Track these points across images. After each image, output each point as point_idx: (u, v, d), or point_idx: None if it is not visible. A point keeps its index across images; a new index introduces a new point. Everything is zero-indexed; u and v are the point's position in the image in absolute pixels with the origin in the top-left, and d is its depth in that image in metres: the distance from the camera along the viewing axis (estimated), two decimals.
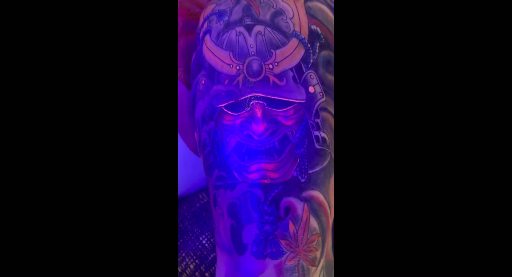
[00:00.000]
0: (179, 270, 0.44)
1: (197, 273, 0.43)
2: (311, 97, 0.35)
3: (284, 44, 0.35)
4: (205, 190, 0.51)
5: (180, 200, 0.51)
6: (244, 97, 0.34)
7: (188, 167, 0.48)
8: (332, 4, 0.40)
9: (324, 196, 0.35)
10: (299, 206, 0.34)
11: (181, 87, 0.44)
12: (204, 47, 0.37)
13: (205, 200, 0.49)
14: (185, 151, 0.46)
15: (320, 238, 0.34)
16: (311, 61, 0.36)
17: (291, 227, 0.33)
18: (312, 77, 0.35)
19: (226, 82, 0.35)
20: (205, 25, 0.38)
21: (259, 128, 0.34)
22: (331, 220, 0.36)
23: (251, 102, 0.34)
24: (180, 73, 0.44)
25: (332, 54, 0.38)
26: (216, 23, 0.37)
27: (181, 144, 0.46)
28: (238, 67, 0.35)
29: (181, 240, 0.45)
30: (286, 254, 0.33)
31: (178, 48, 0.45)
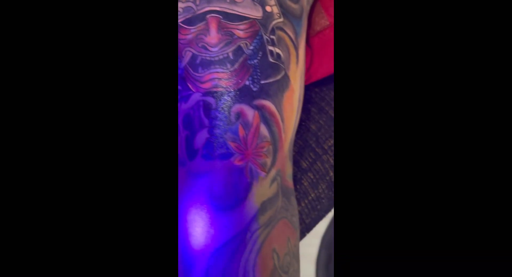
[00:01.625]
0: None
1: None
2: (267, 16, 0.36)
3: None
4: None
5: None
6: (200, 12, 0.35)
7: None
8: None
9: (276, 107, 0.35)
10: (250, 113, 0.34)
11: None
12: None
13: None
14: None
15: (270, 147, 0.35)
16: None
17: (241, 131, 0.34)
18: None
19: None
20: None
21: (214, 39, 0.35)
22: (285, 136, 0.36)
23: (207, 16, 0.35)
24: None
25: None
26: None
27: None
28: None
29: None
30: (235, 156, 0.34)
31: None
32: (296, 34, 0.38)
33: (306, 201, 0.48)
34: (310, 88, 0.52)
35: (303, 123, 0.50)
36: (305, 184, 0.48)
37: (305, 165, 0.49)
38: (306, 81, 0.44)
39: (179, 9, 0.36)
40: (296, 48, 0.38)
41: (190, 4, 0.35)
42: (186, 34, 0.35)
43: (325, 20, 0.49)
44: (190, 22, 0.35)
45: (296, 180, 0.48)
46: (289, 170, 0.38)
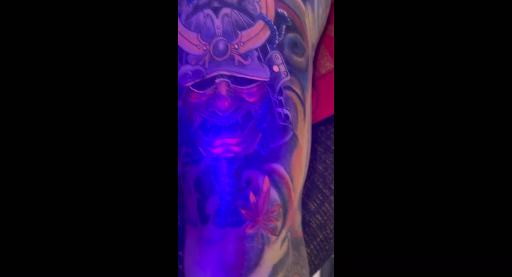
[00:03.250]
0: None
1: None
2: (275, 76, 0.36)
3: (250, 26, 0.37)
4: None
5: None
6: (209, 75, 0.36)
7: None
8: None
9: (286, 169, 0.36)
10: (260, 178, 0.35)
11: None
12: None
13: None
14: None
15: (281, 209, 0.35)
16: (277, 42, 0.37)
17: (252, 198, 0.35)
18: (277, 57, 0.37)
19: (193, 62, 0.36)
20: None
21: (224, 104, 0.35)
22: (294, 194, 0.37)
23: (216, 80, 0.36)
24: None
25: (299, 36, 0.39)
26: (185, 6, 0.38)
27: None
28: (205, 48, 0.36)
29: None
30: (246, 223, 0.35)
31: None
32: (303, 89, 0.39)
33: (315, 243, 0.49)
34: (316, 127, 0.53)
35: (311, 164, 0.50)
36: (314, 226, 0.49)
37: (313, 207, 0.49)
38: (312, 121, 0.44)
39: (189, 72, 0.37)
40: (303, 104, 0.38)
41: (199, 67, 0.36)
42: (196, 98, 0.36)
43: (330, 63, 0.50)
44: (200, 86, 0.36)
45: (304, 222, 0.49)
46: (298, 219, 0.39)
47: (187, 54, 0.37)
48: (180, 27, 0.38)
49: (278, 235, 0.35)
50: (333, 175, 0.51)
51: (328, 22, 0.48)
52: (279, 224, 0.35)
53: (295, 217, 0.38)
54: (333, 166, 0.51)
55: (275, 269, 0.35)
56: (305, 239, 0.48)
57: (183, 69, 0.37)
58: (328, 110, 0.50)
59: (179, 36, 0.38)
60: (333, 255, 0.51)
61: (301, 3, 0.41)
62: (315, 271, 0.50)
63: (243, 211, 0.34)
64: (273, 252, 0.35)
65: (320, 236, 0.49)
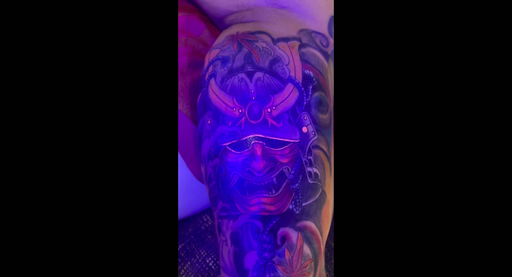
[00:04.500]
0: None
1: None
2: (304, 137, 0.39)
3: (281, 89, 0.39)
4: (208, 211, 0.55)
5: (185, 220, 0.55)
6: (245, 137, 0.39)
7: (195, 192, 0.52)
8: (324, 48, 0.45)
9: (316, 225, 0.39)
10: (293, 235, 0.38)
11: (182, 116, 0.48)
12: (210, 90, 0.41)
13: (210, 223, 0.53)
14: (191, 179, 0.51)
15: (312, 263, 0.38)
16: (305, 103, 0.40)
17: (287, 254, 0.37)
18: (305, 118, 0.40)
19: (230, 123, 0.39)
20: (210, 69, 0.42)
21: (259, 165, 0.38)
22: (322, 246, 0.40)
23: (252, 142, 0.39)
24: (187, 111, 0.48)
25: (323, 94, 0.42)
26: (220, 68, 0.41)
27: (187, 172, 0.50)
28: (240, 111, 0.39)
29: (188, 263, 0.49)
30: None
31: (185, 85, 0.49)
32: (328, 145, 0.41)
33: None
34: None
35: None
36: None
37: (333, 244, 0.52)
38: None
39: (225, 133, 0.39)
40: (329, 159, 0.41)
41: (236, 129, 0.39)
42: (233, 158, 0.39)
43: None
44: (236, 146, 0.39)
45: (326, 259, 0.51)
46: (323, 264, 0.42)
47: (223, 115, 0.40)
48: (215, 88, 0.41)
49: None
50: None
51: None
52: (311, 276, 0.38)
53: (322, 263, 0.41)
54: None
55: None
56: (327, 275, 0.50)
57: (220, 129, 0.40)
58: None
59: (213, 96, 0.41)
60: None
61: (325, 61, 0.44)
62: None
63: (279, 267, 0.37)
64: None
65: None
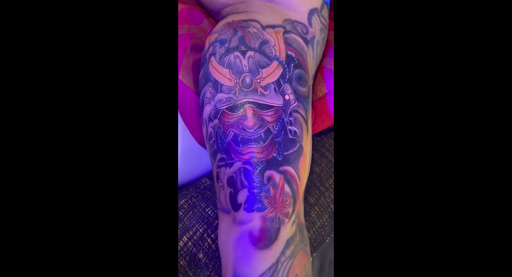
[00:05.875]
0: (189, 235, 0.58)
1: (205, 235, 0.56)
2: (286, 103, 0.49)
3: (268, 65, 0.49)
4: (207, 176, 0.64)
5: (188, 184, 0.64)
6: (239, 102, 0.48)
7: (195, 156, 0.61)
8: (304, 35, 0.54)
9: (295, 170, 0.48)
10: (277, 176, 0.46)
11: (187, 89, 0.56)
12: (210, 66, 0.50)
13: (208, 183, 0.62)
14: (193, 144, 0.60)
15: (291, 199, 0.48)
16: (287, 77, 0.49)
17: (271, 191, 0.46)
18: (287, 88, 0.49)
19: (227, 91, 0.49)
20: (210, 49, 0.51)
21: (250, 123, 0.48)
22: (300, 189, 0.49)
23: (245, 105, 0.48)
24: (191, 84, 0.57)
25: (303, 71, 0.51)
26: (219, 48, 0.50)
27: (190, 138, 0.59)
28: (235, 81, 0.49)
29: (191, 212, 0.59)
30: (268, 209, 0.46)
31: (189, 64, 0.58)
32: (306, 111, 0.51)
33: (314, 229, 0.60)
34: (313, 138, 0.64)
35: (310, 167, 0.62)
36: (313, 215, 0.60)
37: (312, 200, 0.61)
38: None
39: (223, 99, 0.49)
40: (306, 122, 0.51)
41: (231, 95, 0.49)
42: (229, 118, 0.48)
43: (324, 88, 0.61)
44: (232, 109, 0.48)
45: (306, 213, 0.59)
46: (302, 209, 0.51)
47: (221, 85, 0.49)
48: (215, 64, 0.50)
49: (290, 218, 0.48)
50: (327, 176, 0.62)
51: (323, 56, 0.61)
52: (290, 210, 0.47)
53: (301, 207, 0.50)
54: (327, 169, 0.63)
55: (288, 243, 0.47)
56: (306, 225, 0.59)
57: (219, 96, 0.49)
58: (323, 124, 0.61)
59: (213, 70, 0.50)
60: (327, 240, 0.63)
61: (304, 45, 0.53)
62: (314, 252, 0.62)
63: (265, 200, 0.46)
64: (286, 230, 0.46)
65: (318, 224, 0.61)
